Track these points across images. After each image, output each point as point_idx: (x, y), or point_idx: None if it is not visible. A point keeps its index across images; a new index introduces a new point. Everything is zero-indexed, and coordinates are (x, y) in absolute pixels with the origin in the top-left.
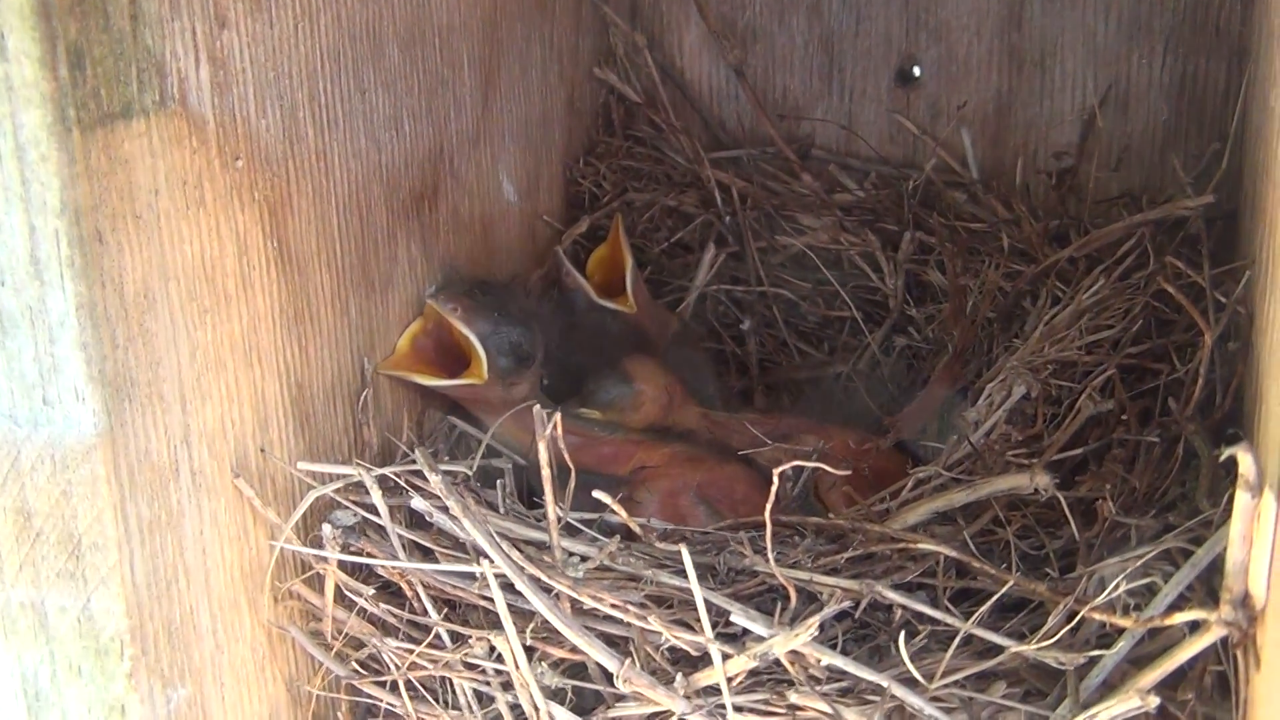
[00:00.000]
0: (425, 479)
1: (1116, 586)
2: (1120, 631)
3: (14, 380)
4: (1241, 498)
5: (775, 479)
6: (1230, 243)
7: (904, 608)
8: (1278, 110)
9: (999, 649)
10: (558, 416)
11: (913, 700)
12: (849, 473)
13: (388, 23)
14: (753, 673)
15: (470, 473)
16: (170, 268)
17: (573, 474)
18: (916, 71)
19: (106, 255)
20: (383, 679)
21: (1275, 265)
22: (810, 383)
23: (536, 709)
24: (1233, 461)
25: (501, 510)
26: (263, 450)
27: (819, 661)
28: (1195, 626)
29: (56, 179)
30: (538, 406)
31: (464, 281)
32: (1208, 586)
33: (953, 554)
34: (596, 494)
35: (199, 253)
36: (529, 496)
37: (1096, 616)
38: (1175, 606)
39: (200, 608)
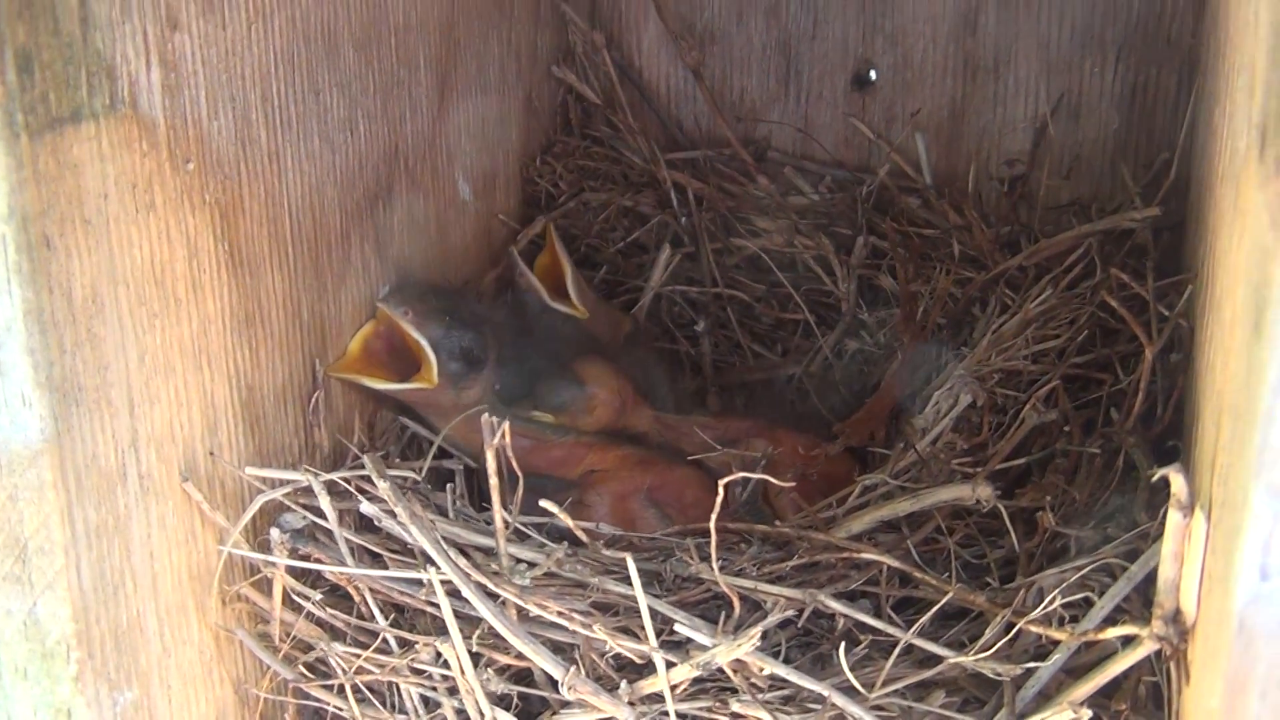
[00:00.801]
0: (375, 483)
1: (1052, 601)
2: (1056, 643)
3: None
4: (1173, 517)
5: (720, 489)
6: (1178, 252)
7: (846, 617)
8: (1221, 128)
9: (939, 658)
10: (505, 425)
11: (853, 709)
12: (793, 485)
13: (343, 23)
14: (696, 681)
15: (419, 477)
16: (119, 272)
17: (520, 481)
18: (873, 76)
19: (54, 260)
20: (330, 683)
21: (1214, 283)
22: (763, 384)
23: (482, 715)
24: (1167, 479)
25: (450, 515)
26: (212, 454)
27: (761, 670)
28: (1129, 640)
29: (4, 184)
30: (486, 415)
31: (416, 285)
32: (1144, 597)
33: (895, 564)
34: (543, 503)
35: (149, 256)
36: (481, 499)
37: (1033, 629)
38: (1109, 620)
39: (147, 611)
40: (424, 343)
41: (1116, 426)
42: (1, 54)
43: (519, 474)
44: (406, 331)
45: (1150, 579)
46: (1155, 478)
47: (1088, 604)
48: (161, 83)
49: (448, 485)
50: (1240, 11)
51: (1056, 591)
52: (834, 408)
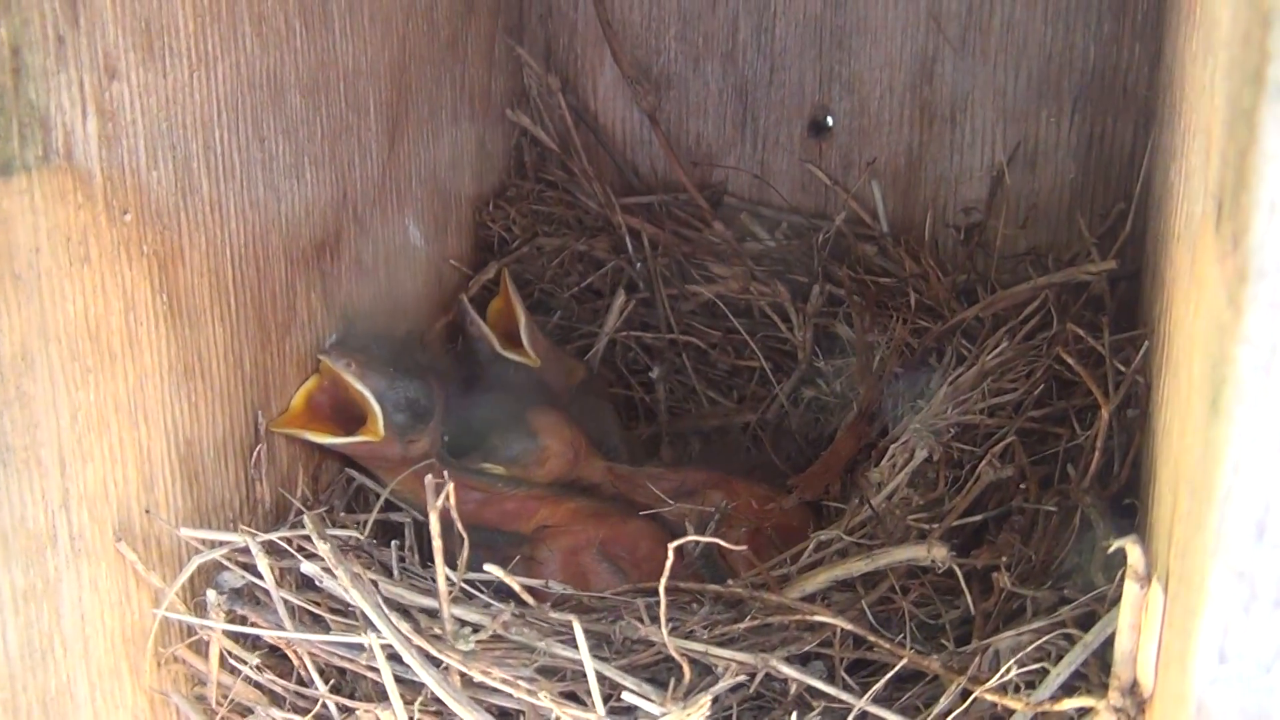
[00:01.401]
0: (315, 543)
1: (1008, 670)
2: (1012, 711)
3: None
4: (1130, 588)
5: (670, 553)
6: (1136, 303)
7: (798, 682)
8: (1177, 186)
9: None
10: (449, 488)
11: None
12: (744, 548)
13: (289, 69)
14: None
15: (362, 536)
16: (51, 328)
17: (465, 541)
18: (829, 122)
19: None
20: None
21: (1171, 342)
22: (719, 431)
23: None
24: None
25: (395, 574)
26: (148, 511)
27: None
28: (1085, 711)
29: None
30: (429, 477)
31: (360, 336)
32: (1103, 662)
33: (849, 626)
34: (488, 567)
35: (82, 311)
36: (432, 553)
37: (988, 697)
38: (1066, 688)
39: (78, 676)
40: (368, 395)
41: (1073, 484)
42: None
43: (464, 535)
44: (350, 384)
45: (1108, 644)
46: (1111, 549)
47: (1045, 670)
48: (98, 133)
49: (393, 543)
50: (1196, 74)
51: (1013, 660)
52: (790, 456)
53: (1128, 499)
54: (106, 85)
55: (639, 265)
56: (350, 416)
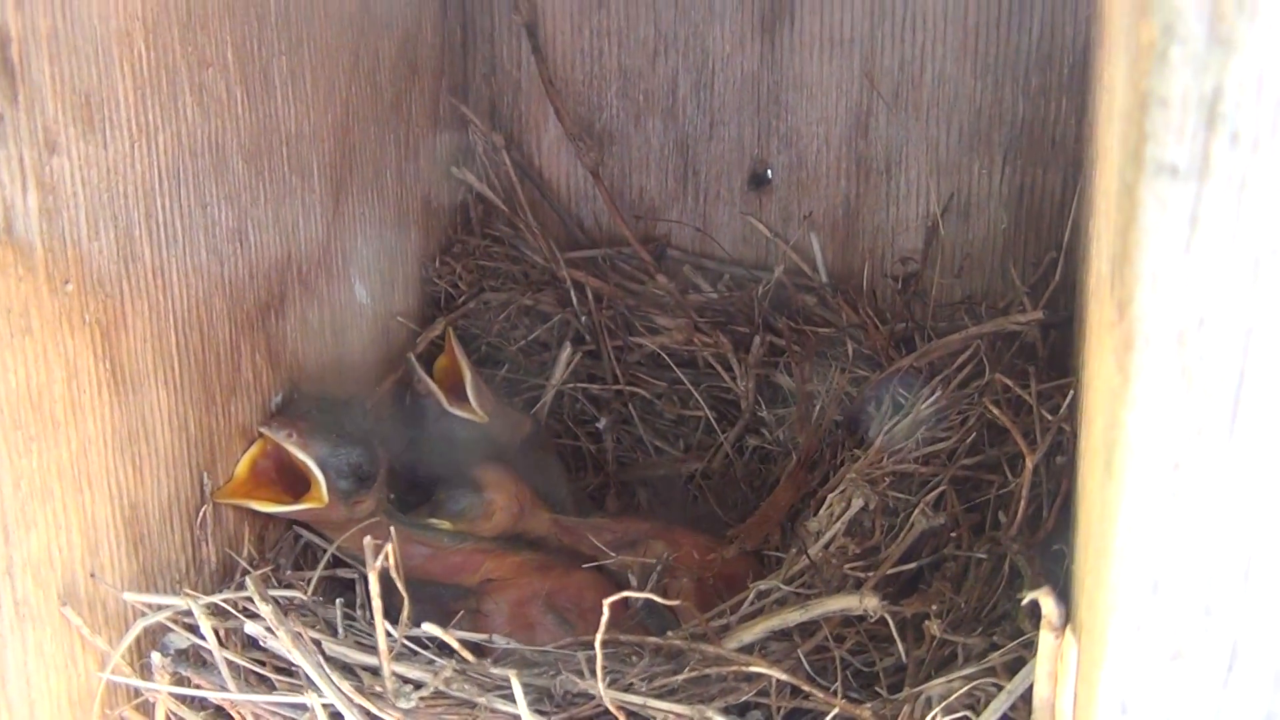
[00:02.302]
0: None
1: (934, 717)
2: None
3: None
4: (1045, 638)
5: (606, 608)
6: (1067, 350)
7: None
8: (1093, 240)
9: None
10: (389, 548)
11: None
12: (680, 604)
13: (231, 136)
14: None
15: (306, 595)
16: None
17: (405, 600)
18: (769, 175)
19: None
20: None
21: (1087, 394)
22: (665, 480)
23: None
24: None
25: (340, 632)
26: (93, 575)
27: None
28: None
29: None
30: (368, 538)
31: (301, 401)
32: (1029, 707)
33: (784, 676)
34: (426, 626)
35: (24, 380)
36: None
37: None
38: None
39: None
40: (310, 463)
41: (1002, 532)
42: None
43: (404, 594)
44: (292, 453)
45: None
46: (1025, 600)
47: (974, 715)
48: (39, 206)
49: (337, 601)
50: (1103, 137)
51: (939, 709)
52: (736, 504)
53: (1056, 544)
54: (47, 159)
55: (584, 318)
56: (296, 478)
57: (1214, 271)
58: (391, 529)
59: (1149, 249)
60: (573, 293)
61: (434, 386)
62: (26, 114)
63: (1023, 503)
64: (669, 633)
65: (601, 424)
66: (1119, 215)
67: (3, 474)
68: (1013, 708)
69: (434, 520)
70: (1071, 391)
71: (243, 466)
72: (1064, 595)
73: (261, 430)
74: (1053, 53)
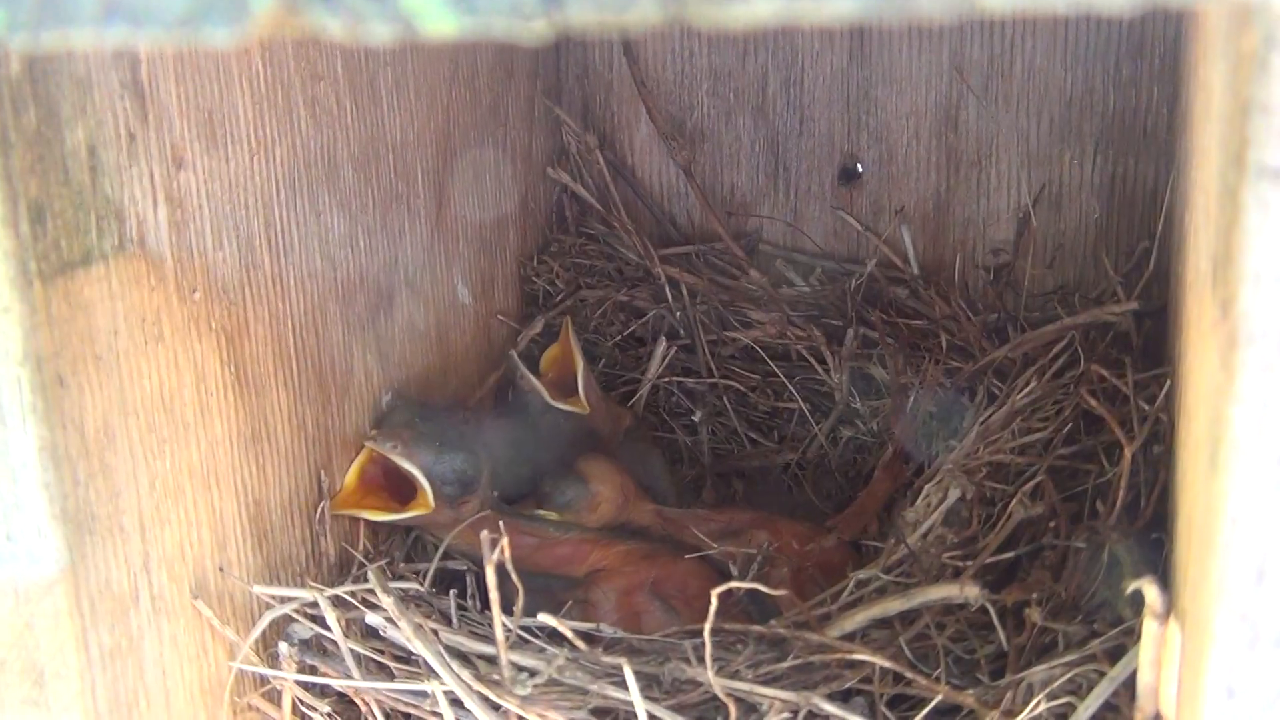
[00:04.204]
0: (379, 596)
1: (1038, 703)
2: None
3: None
4: (1149, 626)
5: (714, 598)
6: (1162, 338)
7: (840, 719)
8: (1190, 232)
9: None
10: (504, 541)
11: None
12: (785, 592)
13: (342, 145)
14: None
15: (422, 587)
16: (129, 403)
17: (520, 590)
18: (859, 170)
19: (67, 398)
20: None
21: (1187, 386)
22: (760, 471)
23: None
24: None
25: (454, 622)
26: (221, 569)
27: None
28: None
29: (19, 329)
30: (485, 532)
31: (403, 410)
32: (1131, 694)
33: (887, 664)
34: (543, 616)
35: (157, 386)
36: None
37: None
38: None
39: None
40: (416, 472)
41: (1100, 521)
42: (15, 207)
43: (518, 585)
44: (398, 463)
45: (1135, 677)
46: (1129, 589)
47: (1078, 700)
48: (168, 220)
49: (451, 593)
50: (1200, 133)
51: (1042, 695)
52: (830, 494)
53: (1155, 533)
54: (174, 175)
55: (679, 313)
56: (403, 483)
57: None
58: (501, 523)
59: (1252, 249)
60: (667, 289)
61: (536, 383)
62: (155, 133)
63: (1121, 492)
64: (772, 621)
65: (697, 416)
66: (1221, 216)
67: (139, 474)
68: (1115, 694)
69: (541, 512)
70: (1168, 382)
71: (352, 476)
72: (1165, 583)
73: (367, 443)
74: (1144, 42)
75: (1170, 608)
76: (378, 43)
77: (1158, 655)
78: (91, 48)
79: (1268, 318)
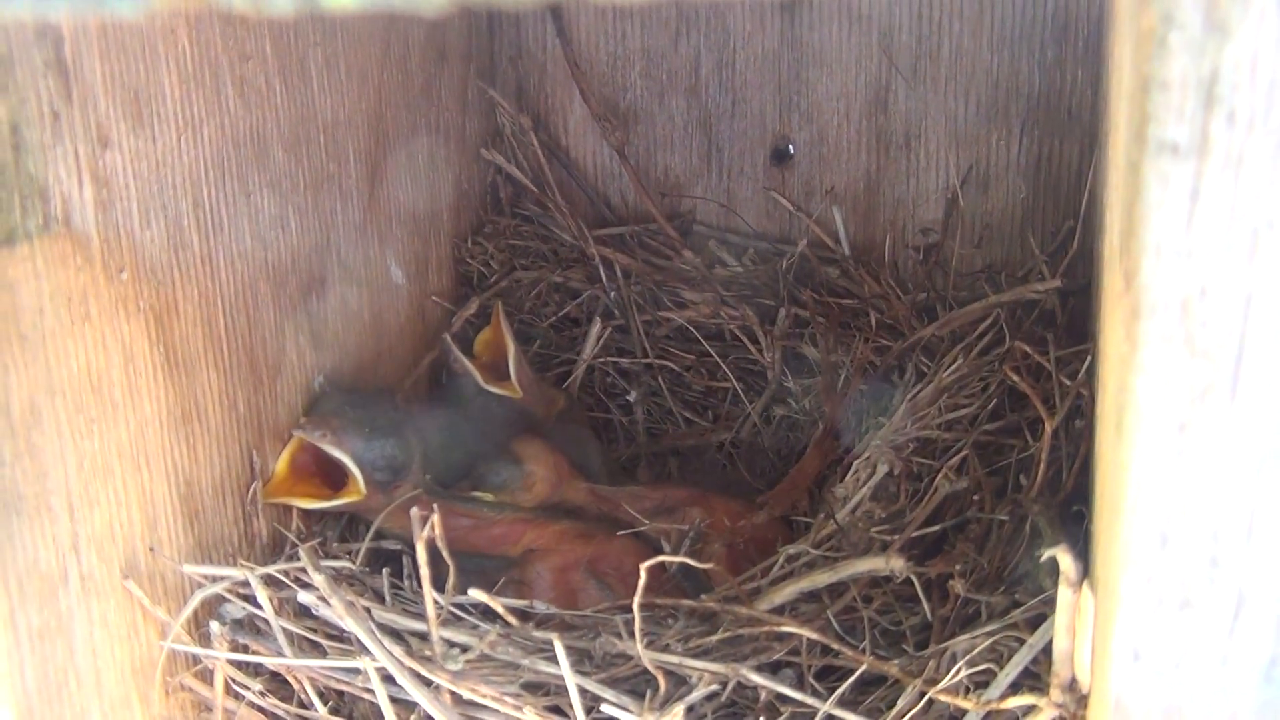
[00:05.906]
0: (310, 575)
1: (958, 671)
2: (965, 711)
3: None
4: (1064, 593)
5: (643, 572)
6: (1085, 316)
7: (767, 689)
8: (1108, 207)
9: None
10: (434, 518)
11: None
12: (715, 566)
13: (271, 125)
14: None
15: (355, 566)
16: (56, 383)
17: (451, 568)
18: (791, 151)
19: None
20: None
21: (1102, 360)
22: (694, 450)
23: None
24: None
25: (387, 600)
26: (152, 549)
27: None
28: (1030, 709)
29: None
30: (415, 509)
31: (332, 398)
32: (1050, 662)
33: (814, 636)
34: (473, 592)
35: (85, 365)
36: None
37: (943, 698)
38: (1013, 688)
39: (91, 708)
40: (346, 459)
41: (1023, 495)
42: None
43: (449, 561)
44: (328, 451)
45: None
46: (1044, 557)
47: (997, 668)
48: (94, 199)
49: (384, 570)
50: (1114, 112)
51: (962, 662)
52: (764, 472)
53: (1076, 506)
54: (100, 154)
55: (613, 294)
56: (334, 470)
57: (1214, 243)
58: (435, 504)
59: (1153, 223)
60: (601, 269)
61: (469, 365)
62: (80, 111)
63: (1043, 466)
64: (703, 595)
65: (632, 396)
66: (1125, 191)
67: (67, 455)
68: (1034, 661)
69: (476, 493)
70: (1089, 357)
71: (282, 464)
72: (1083, 553)
73: (295, 432)
74: (1068, 25)
75: (1085, 575)
76: (279, 15)
77: (1072, 622)
78: (6, 19)
79: (1168, 289)
